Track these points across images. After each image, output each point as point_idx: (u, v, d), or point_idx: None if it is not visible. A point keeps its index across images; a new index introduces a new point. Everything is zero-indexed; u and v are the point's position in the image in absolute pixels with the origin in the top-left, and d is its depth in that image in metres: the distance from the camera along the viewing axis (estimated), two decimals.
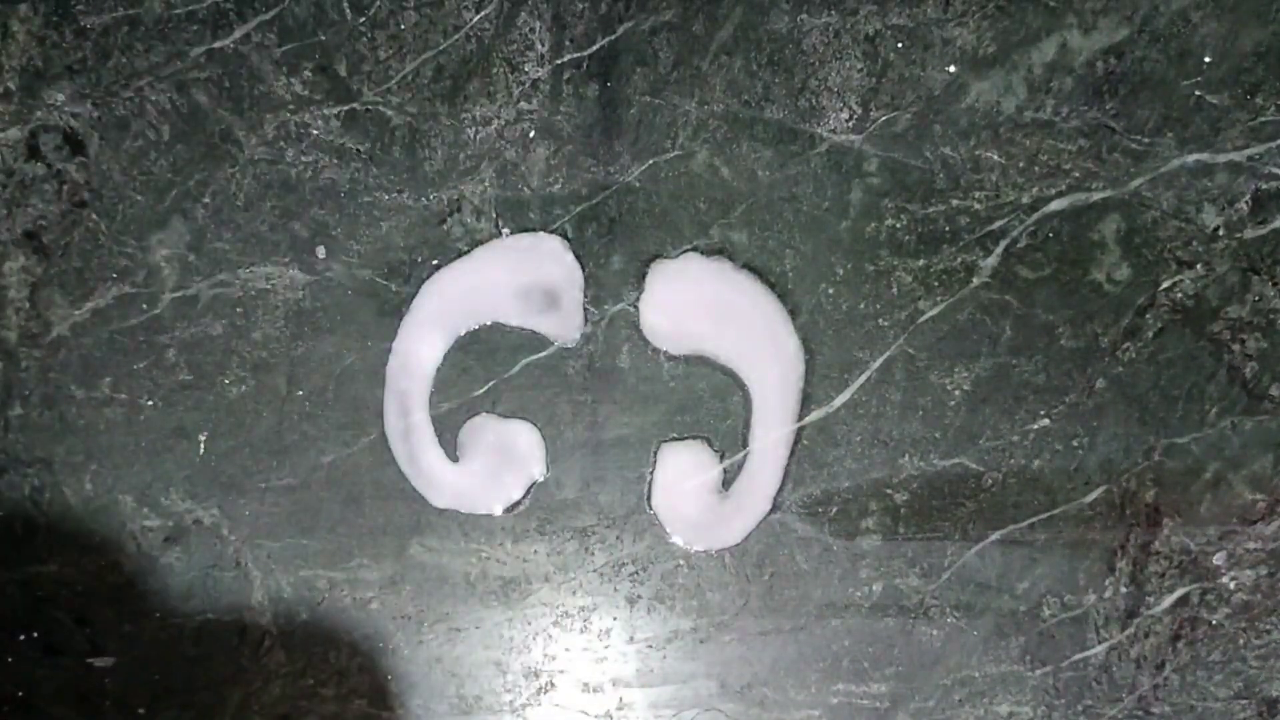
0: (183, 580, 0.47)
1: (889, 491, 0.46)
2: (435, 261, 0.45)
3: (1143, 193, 0.45)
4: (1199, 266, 0.45)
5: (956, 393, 0.46)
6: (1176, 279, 0.45)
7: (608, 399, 0.46)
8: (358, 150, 0.45)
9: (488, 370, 0.46)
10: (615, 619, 0.47)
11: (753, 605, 0.47)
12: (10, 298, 0.45)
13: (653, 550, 0.47)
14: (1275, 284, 0.45)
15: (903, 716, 0.47)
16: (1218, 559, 0.46)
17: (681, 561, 0.47)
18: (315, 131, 0.45)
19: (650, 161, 0.45)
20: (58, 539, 0.46)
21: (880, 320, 0.45)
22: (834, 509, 0.46)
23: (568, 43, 0.44)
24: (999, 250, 0.45)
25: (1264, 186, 0.44)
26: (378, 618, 0.47)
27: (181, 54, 0.44)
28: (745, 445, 0.46)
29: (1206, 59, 0.44)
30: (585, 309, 0.45)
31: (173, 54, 0.44)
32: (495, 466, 0.46)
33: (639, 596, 0.47)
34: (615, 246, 0.45)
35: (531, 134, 0.45)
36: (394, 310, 0.46)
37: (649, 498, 0.46)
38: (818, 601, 0.47)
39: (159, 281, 0.45)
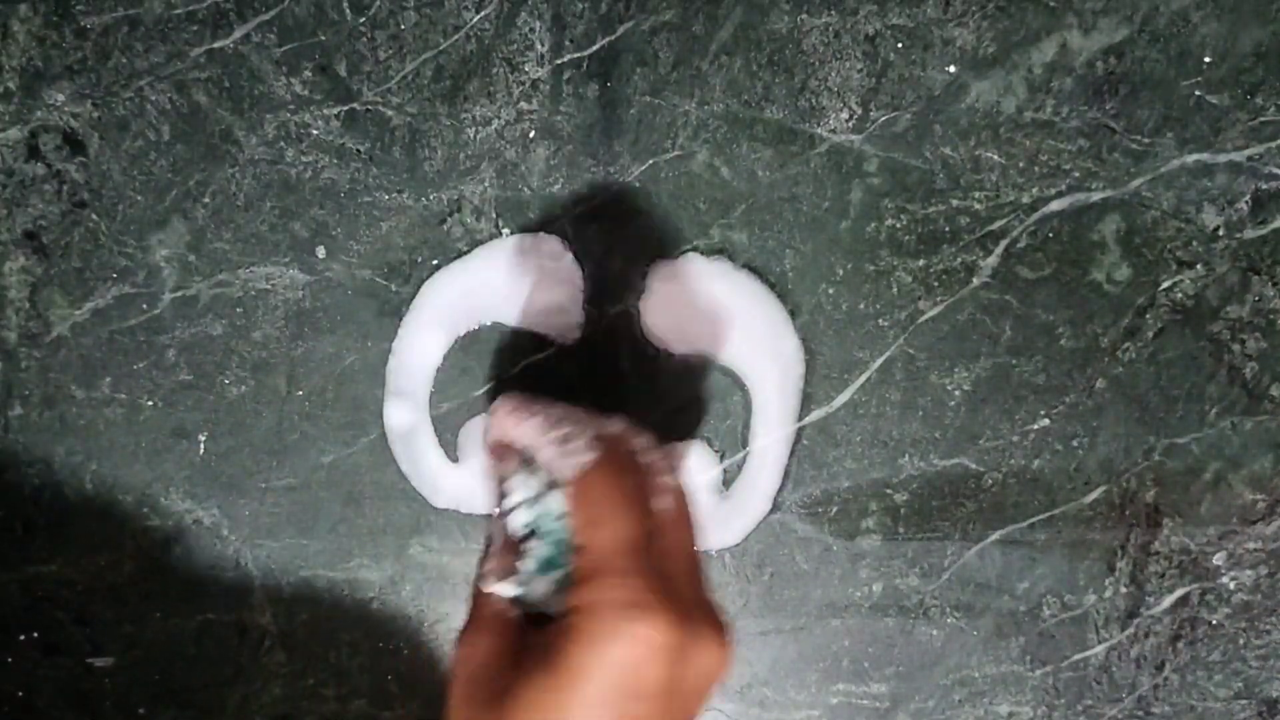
0: (183, 580, 0.47)
1: (889, 491, 0.46)
2: (435, 261, 0.45)
3: (1143, 193, 0.45)
4: (1199, 266, 0.45)
5: (956, 393, 0.46)
6: (1176, 279, 0.45)
7: (608, 399, 0.46)
8: (358, 150, 0.45)
9: (488, 370, 0.46)
10: None
11: (753, 605, 0.47)
12: (10, 298, 0.45)
13: None
14: (1275, 284, 0.45)
15: (903, 716, 0.47)
16: (1218, 559, 0.46)
17: None
18: (315, 131, 0.45)
19: (650, 161, 0.45)
20: (58, 539, 0.46)
21: (880, 320, 0.45)
22: (834, 509, 0.46)
23: (568, 43, 0.44)
24: (999, 250, 0.45)
25: (1264, 186, 0.44)
26: (378, 618, 0.47)
27: (181, 54, 0.44)
28: (745, 445, 0.46)
29: (1206, 59, 0.44)
30: (585, 309, 0.45)
31: (173, 54, 0.44)
32: None
33: None
34: (615, 246, 0.45)
35: (531, 134, 0.45)
36: (394, 310, 0.46)
37: None
38: (818, 601, 0.47)
39: (159, 281, 0.45)
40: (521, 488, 0.35)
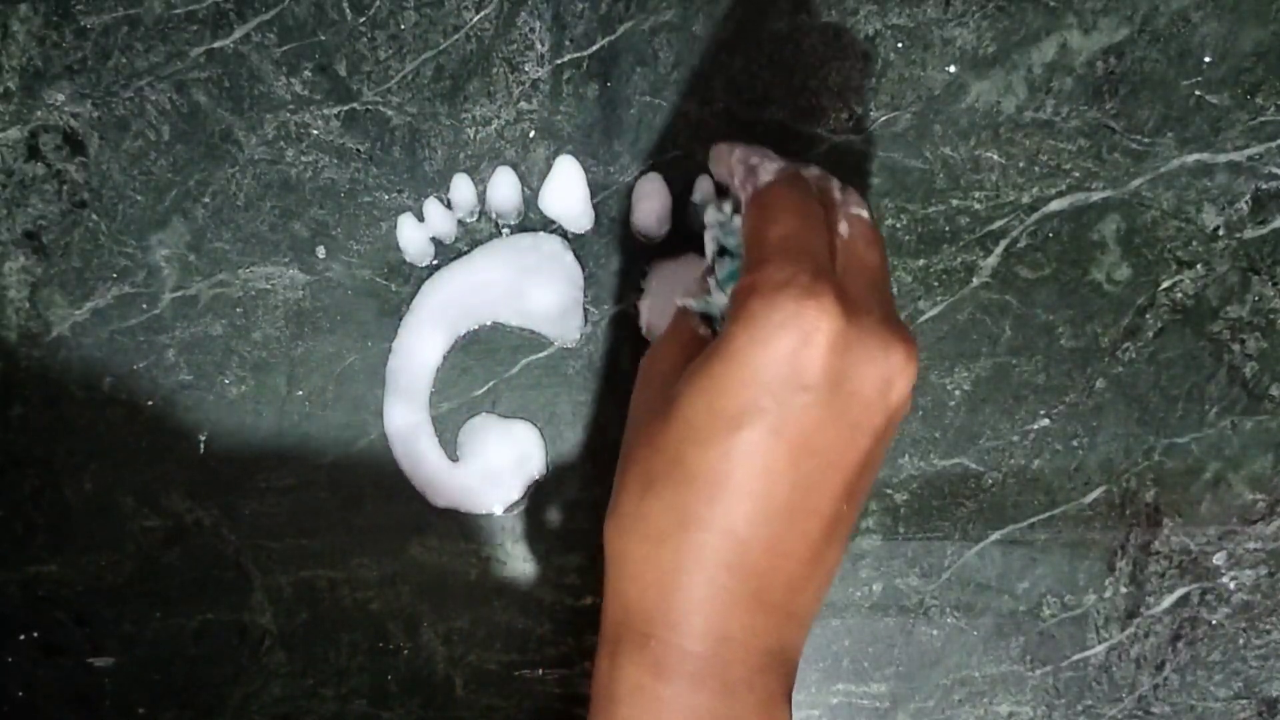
0: (183, 580, 0.47)
1: (889, 491, 0.46)
2: (435, 261, 0.45)
3: (1143, 193, 0.45)
4: (1199, 266, 0.45)
5: (956, 393, 0.46)
6: (1176, 279, 0.45)
7: (608, 399, 0.46)
8: (358, 150, 0.45)
9: (488, 370, 0.46)
10: None
11: None
12: (10, 298, 0.45)
13: None
14: (1275, 284, 0.45)
15: (903, 716, 0.47)
16: (1218, 559, 0.46)
17: None
18: (315, 131, 0.45)
19: (650, 162, 0.45)
20: (58, 539, 0.46)
21: None
22: None
23: (568, 43, 0.44)
24: (999, 250, 0.45)
25: (1264, 186, 0.44)
26: (378, 618, 0.47)
27: (181, 54, 0.44)
28: None
29: (1206, 59, 0.44)
30: (585, 309, 0.45)
31: (173, 54, 0.44)
32: (495, 466, 0.46)
33: None
34: (615, 246, 0.45)
35: (531, 134, 0.45)
36: (394, 310, 0.46)
37: None
38: None
39: (159, 281, 0.45)
40: (715, 214, 0.38)
